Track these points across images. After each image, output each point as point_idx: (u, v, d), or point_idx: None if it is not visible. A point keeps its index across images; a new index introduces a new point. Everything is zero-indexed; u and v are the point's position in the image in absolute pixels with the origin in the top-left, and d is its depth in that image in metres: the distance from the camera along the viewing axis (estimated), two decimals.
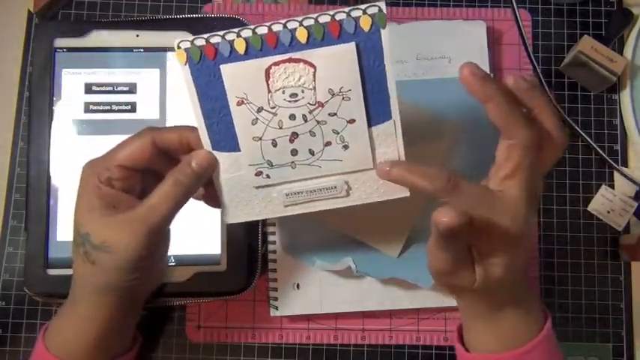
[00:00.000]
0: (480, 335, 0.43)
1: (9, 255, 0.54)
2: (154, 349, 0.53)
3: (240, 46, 0.35)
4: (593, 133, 0.57)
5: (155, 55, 0.53)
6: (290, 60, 0.36)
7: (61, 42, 0.52)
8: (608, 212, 0.55)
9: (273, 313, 0.52)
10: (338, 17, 0.34)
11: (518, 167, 0.37)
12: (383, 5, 0.34)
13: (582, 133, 0.56)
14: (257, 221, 0.52)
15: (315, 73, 0.36)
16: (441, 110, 0.52)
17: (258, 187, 0.41)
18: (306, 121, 0.38)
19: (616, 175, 0.56)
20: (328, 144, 0.39)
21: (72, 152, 0.52)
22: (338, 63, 0.36)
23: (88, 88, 0.53)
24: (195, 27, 0.53)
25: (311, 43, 0.35)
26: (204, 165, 0.39)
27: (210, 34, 0.35)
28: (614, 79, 0.55)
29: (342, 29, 0.35)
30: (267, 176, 0.40)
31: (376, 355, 0.53)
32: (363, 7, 0.34)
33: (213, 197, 0.42)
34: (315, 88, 0.37)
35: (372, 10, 0.34)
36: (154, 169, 0.41)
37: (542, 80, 0.56)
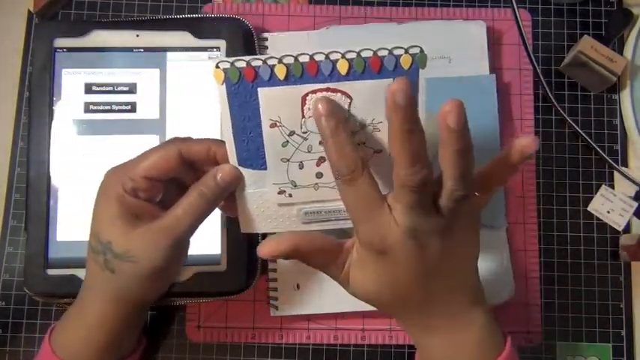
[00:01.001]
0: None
1: (9, 255, 0.54)
2: (154, 349, 0.53)
3: (280, 72, 0.36)
4: (593, 133, 0.57)
5: (155, 55, 0.53)
6: (328, 89, 0.36)
7: (61, 42, 0.52)
8: (608, 212, 0.55)
9: (273, 313, 0.52)
10: (380, 53, 0.35)
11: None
12: (425, 47, 0.36)
13: (582, 133, 0.56)
14: None
15: (350, 103, 0.37)
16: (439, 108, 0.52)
17: (280, 205, 0.41)
18: None
19: (616, 175, 0.56)
20: None
21: (72, 152, 0.52)
22: (374, 96, 0.36)
23: (88, 88, 0.53)
24: (196, 27, 0.53)
25: (351, 75, 0.36)
26: (229, 180, 0.40)
27: (252, 57, 0.36)
28: (614, 79, 0.55)
29: (383, 65, 0.36)
30: (290, 195, 0.41)
31: (376, 355, 0.53)
32: (405, 46, 0.35)
33: (231, 208, 0.42)
34: (348, 117, 0.37)
35: (414, 50, 0.35)
36: (175, 178, 0.42)
37: (542, 80, 0.56)
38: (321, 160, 0.39)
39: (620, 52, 0.58)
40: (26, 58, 0.57)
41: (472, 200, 0.37)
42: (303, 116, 0.37)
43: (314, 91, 0.36)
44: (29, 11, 0.57)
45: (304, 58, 0.35)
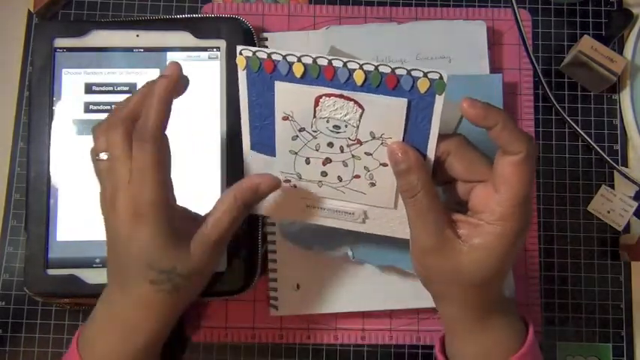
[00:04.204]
0: (463, 349, 0.42)
1: (9, 255, 0.54)
2: None
3: (298, 70, 0.36)
4: (593, 133, 0.57)
5: (155, 55, 0.53)
6: (342, 96, 0.36)
7: (61, 42, 0.52)
8: (608, 212, 0.55)
9: (273, 313, 0.52)
10: (398, 72, 0.35)
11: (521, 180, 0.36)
12: (445, 74, 0.34)
13: (582, 133, 0.56)
14: (257, 221, 0.52)
15: (362, 114, 0.37)
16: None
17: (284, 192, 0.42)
18: (342, 151, 0.39)
19: (616, 175, 0.56)
20: (357, 177, 0.40)
21: (72, 152, 0.52)
22: (386, 112, 0.36)
23: (88, 88, 0.53)
24: (195, 27, 0.53)
25: (366, 87, 0.36)
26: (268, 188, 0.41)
27: (274, 50, 0.36)
28: (614, 79, 0.55)
29: (399, 84, 0.35)
30: (294, 186, 0.42)
31: (376, 355, 0.53)
32: (425, 69, 0.34)
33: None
34: (358, 127, 0.38)
35: (433, 75, 0.34)
36: None
37: (542, 80, 0.56)
38: (327, 160, 0.40)
39: (620, 52, 0.58)
40: (26, 58, 0.57)
41: None
42: (315, 116, 0.38)
43: (328, 95, 0.36)
44: (29, 11, 0.57)
45: (322, 62, 0.36)
